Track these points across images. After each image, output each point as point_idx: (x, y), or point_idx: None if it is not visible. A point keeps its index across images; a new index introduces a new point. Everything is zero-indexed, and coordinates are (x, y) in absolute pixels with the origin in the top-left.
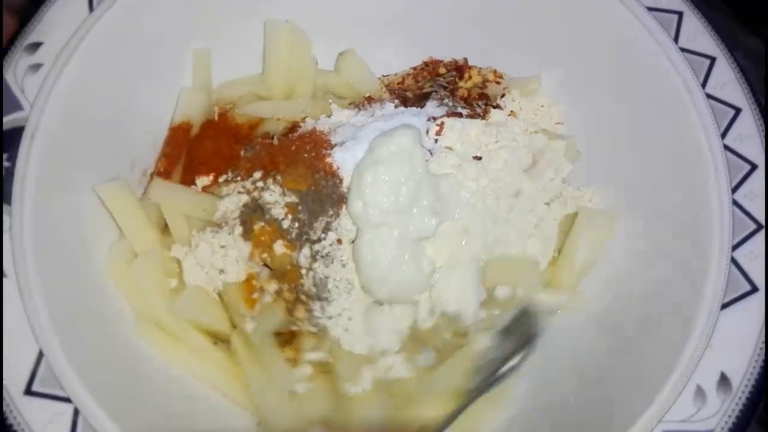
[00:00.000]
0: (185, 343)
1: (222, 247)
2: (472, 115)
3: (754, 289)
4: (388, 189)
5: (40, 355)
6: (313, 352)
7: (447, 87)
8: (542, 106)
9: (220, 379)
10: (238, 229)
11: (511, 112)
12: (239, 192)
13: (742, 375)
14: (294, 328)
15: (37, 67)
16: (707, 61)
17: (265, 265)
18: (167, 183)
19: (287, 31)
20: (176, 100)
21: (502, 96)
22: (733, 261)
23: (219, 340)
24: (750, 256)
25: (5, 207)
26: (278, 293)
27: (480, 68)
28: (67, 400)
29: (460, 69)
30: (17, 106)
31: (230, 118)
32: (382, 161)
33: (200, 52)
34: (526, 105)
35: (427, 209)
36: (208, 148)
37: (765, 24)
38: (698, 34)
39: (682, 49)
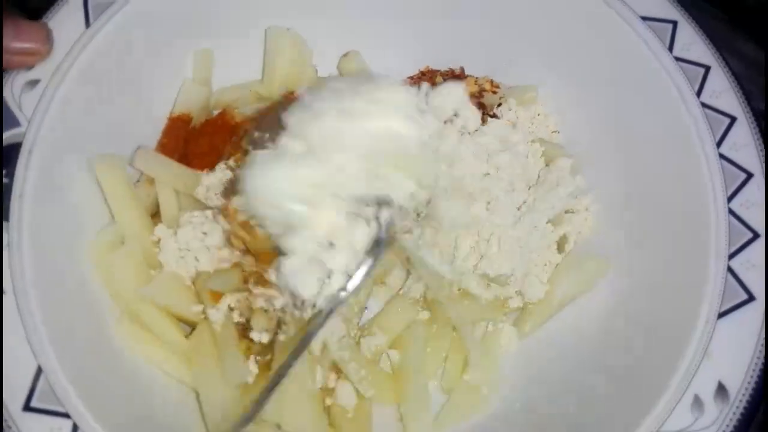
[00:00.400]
0: (158, 336)
1: (203, 233)
2: None
3: (751, 298)
4: None
5: (39, 371)
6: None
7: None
8: (539, 115)
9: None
10: (219, 204)
11: (508, 121)
12: (223, 169)
13: (740, 384)
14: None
15: (34, 83)
16: (702, 70)
17: (246, 250)
18: (153, 152)
19: (288, 39)
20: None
21: (499, 105)
22: (730, 270)
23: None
24: (746, 264)
25: (4, 224)
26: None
27: (476, 77)
28: (66, 415)
29: (456, 78)
30: (15, 123)
31: (229, 117)
32: None
33: (201, 52)
34: (522, 114)
35: None
36: (204, 144)
37: (761, 29)
38: (693, 42)
39: (677, 58)
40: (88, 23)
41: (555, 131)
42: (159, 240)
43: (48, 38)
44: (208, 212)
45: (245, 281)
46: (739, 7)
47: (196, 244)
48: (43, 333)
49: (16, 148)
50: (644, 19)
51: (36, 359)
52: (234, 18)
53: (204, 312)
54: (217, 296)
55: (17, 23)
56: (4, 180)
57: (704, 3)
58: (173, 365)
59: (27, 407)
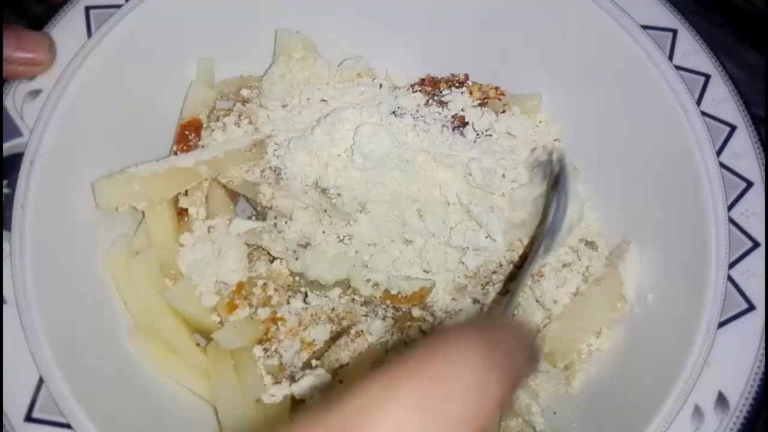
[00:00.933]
0: (174, 348)
1: (219, 249)
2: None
3: (751, 307)
4: None
5: (41, 381)
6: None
7: (445, 103)
8: (540, 122)
9: (202, 387)
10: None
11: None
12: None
13: (740, 394)
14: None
15: (36, 93)
16: (702, 79)
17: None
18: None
19: (298, 42)
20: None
21: (502, 112)
22: (730, 279)
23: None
24: (746, 274)
25: (5, 234)
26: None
27: (481, 84)
28: (68, 426)
29: (460, 84)
30: (17, 133)
31: None
32: None
33: (204, 60)
34: (525, 122)
35: None
36: None
37: (762, 36)
38: (693, 51)
39: (677, 67)
40: (90, 33)
41: (556, 139)
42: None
43: (50, 48)
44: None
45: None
46: (740, 14)
47: (215, 257)
48: (45, 343)
49: (18, 158)
50: (644, 27)
51: (38, 369)
52: (238, 23)
53: (221, 323)
54: (232, 306)
55: (19, 33)
56: (6, 190)
57: (706, 10)
58: (189, 378)
59: (28, 418)
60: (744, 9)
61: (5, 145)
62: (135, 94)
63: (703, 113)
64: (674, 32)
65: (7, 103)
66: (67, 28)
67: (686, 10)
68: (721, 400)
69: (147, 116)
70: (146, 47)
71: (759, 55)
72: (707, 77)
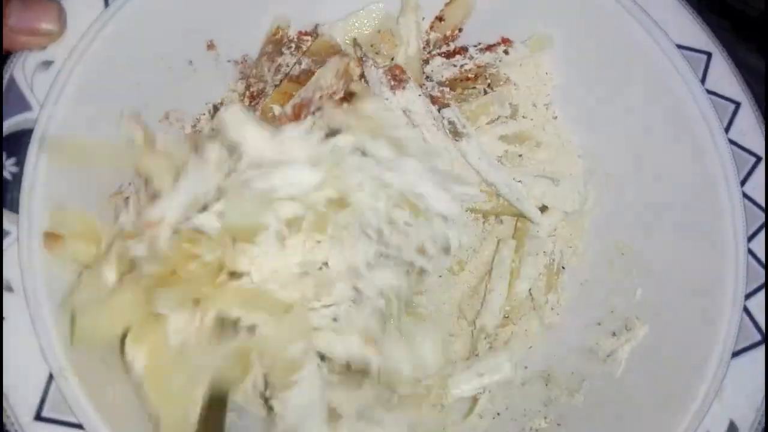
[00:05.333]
0: None
1: None
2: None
3: (765, 339)
4: None
5: (50, 378)
6: None
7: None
8: (547, 74)
9: None
10: None
11: (507, 78)
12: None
13: (750, 424)
14: None
15: (47, 64)
16: (732, 106)
17: None
18: None
19: None
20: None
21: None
22: (745, 310)
23: None
24: (761, 306)
25: (12, 215)
26: None
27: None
28: (79, 426)
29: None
30: (26, 106)
31: None
32: None
33: None
34: (527, 70)
35: None
36: None
37: (764, 39)
38: (725, 76)
39: (708, 91)
40: (107, 2)
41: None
42: None
43: (59, 17)
44: None
45: None
46: (744, 17)
47: None
48: (55, 336)
49: (27, 134)
50: (679, 47)
51: (47, 365)
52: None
53: None
54: None
55: (26, 0)
56: (14, 169)
57: (710, 13)
58: None
59: (38, 417)
60: (745, 12)
61: (12, 120)
62: (151, 66)
63: (730, 141)
64: (709, 55)
65: (16, 73)
66: None
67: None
68: (732, 429)
69: (167, 93)
70: (164, 18)
71: (760, 57)
72: (737, 105)
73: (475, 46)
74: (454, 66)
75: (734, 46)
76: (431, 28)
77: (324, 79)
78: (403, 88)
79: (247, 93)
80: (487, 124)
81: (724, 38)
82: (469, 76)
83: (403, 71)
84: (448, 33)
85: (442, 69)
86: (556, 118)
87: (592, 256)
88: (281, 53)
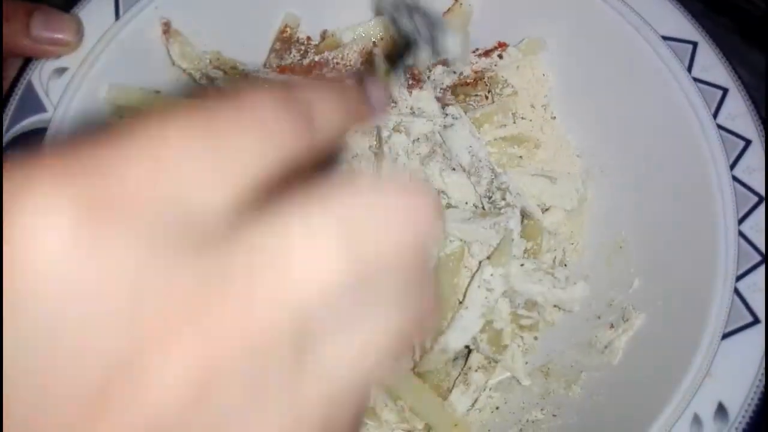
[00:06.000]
0: None
1: None
2: None
3: (756, 320)
4: None
5: None
6: None
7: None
8: (543, 75)
9: None
10: None
11: (514, 91)
12: None
13: (740, 406)
14: None
15: (62, 70)
16: (719, 92)
17: None
18: None
19: None
20: None
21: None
22: (736, 292)
23: None
24: (753, 287)
25: None
26: None
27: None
28: None
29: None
30: (41, 108)
31: None
32: None
33: None
34: (524, 72)
35: None
36: None
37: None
38: (712, 64)
39: (695, 79)
40: (117, 15)
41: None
42: None
43: (78, 30)
44: None
45: None
46: (748, 17)
47: None
48: None
49: (41, 132)
50: (665, 39)
51: None
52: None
53: None
54: None
55: (48, 13)
56: None
57: (714, 13)
58: None
59: None
60: (751, 12)
61: (28, 120)
62: (161, 78)
63: (719, 126)
64: (695, 45)
65: (34, 79)
66: (95, 10)
67: (696, 13)
68: (721, 410)
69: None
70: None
71: (763, 56)
72: (725, 91)
73: (473, 51)
74: (454, 73)
75: (740, 45)
76: None
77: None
78: (420, 88)
79: None
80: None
81: (730, 38)
82: (468, 81)
83: (420, 72)
84: None
85: (443, 76)
86: (554, 118)
87: (592, 251)
88: (290, 50)
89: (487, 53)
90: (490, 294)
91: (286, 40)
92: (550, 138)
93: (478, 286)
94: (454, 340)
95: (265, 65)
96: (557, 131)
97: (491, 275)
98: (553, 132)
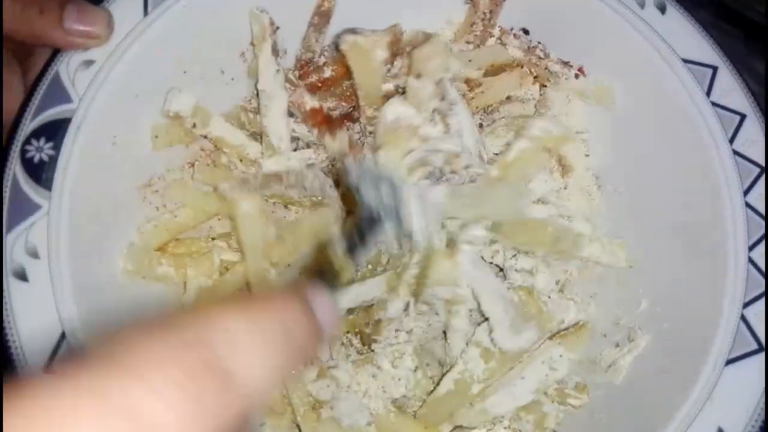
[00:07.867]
0: None
1: None
2: None
3: (761, 348)
4: None
5: (63, 336)
6: None
7: None
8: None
9: None
10: None
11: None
12: None
13: None
14: None
15: (89, 63)
16: (737, 118)
17: None
18: None
19: None
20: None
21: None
22: (743, 318)
23: None
24: (759, 315)
25: (44, 192)
26: None
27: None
28: None
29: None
30: (67, 99)
31: None
32: None
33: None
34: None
35: None
36: None
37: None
38: (731, 89)
39: (714, 104)
40: (146, 11)
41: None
42: None
43: (109, 23)
44: None
45: None
46: (754, 26)
47: None
48: (72, 304)
49: (66, 122)
50: (685, 62)
51: (61, 326)
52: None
53: None
54: None
55: (80, 6)
56: (51, 152)
57: (720, 22)
58: None
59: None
60: (755, 20)
61: (54, 110)
62: (190, 74)
63: (735, 152)
64: (715, 69)
65: (61, 69)
66: (124, 5)
67: (705, 23)
68: None
69: (200, 95)
70: (201, 27)
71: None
72: (743, 117)
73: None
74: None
75: (746, 54)
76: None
77: None
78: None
79: (297, 63)
80: None
81: (735, 47)
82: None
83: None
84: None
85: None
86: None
87: (602, 269)
88: (328, 24)
89: (565, 63)
90: (551, 373)
91: (323, 14)
92: (573, 160)
93: (542, 362)
94: (499, 405)
95: (304, 39)
96: (579, 152)
97: (560, 356)
98: (576, 154)
